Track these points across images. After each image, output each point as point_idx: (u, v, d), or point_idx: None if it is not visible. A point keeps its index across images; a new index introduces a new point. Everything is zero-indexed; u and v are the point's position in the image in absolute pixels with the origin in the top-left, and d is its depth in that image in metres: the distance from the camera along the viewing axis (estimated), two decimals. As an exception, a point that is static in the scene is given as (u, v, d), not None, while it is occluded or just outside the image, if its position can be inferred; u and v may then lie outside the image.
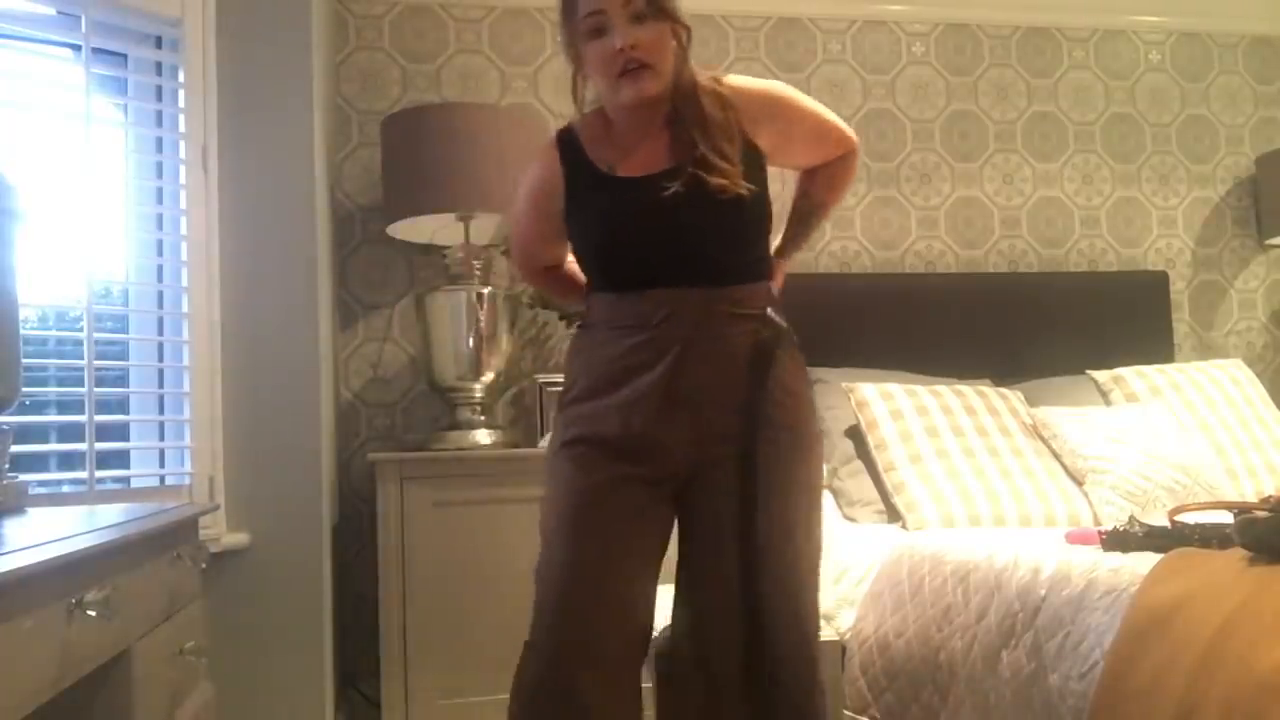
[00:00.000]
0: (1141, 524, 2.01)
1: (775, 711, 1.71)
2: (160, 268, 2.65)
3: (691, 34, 1.78)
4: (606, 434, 1.74)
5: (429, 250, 3.17)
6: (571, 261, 1.96)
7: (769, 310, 1.78)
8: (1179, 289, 3.85)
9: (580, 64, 1.78)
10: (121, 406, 2.61)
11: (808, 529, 1.79)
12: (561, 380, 2.96)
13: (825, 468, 1.97)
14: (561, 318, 3.10)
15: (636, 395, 1.73)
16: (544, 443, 2.98)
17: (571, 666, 1.66)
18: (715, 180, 1.70)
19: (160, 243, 2.64)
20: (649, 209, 1.73)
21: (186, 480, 2.54)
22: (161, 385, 2.63)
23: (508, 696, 1.75)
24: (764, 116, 1.82)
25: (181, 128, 2.59)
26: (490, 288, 2.97)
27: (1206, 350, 3.84)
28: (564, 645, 1.67)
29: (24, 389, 1.69)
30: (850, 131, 1.96)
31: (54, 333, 2.55)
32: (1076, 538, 2.18)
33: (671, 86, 1.76)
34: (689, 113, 1.76)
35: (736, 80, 1.85)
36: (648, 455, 1.73)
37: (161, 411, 2.64)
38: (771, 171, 1.83)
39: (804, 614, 1.76)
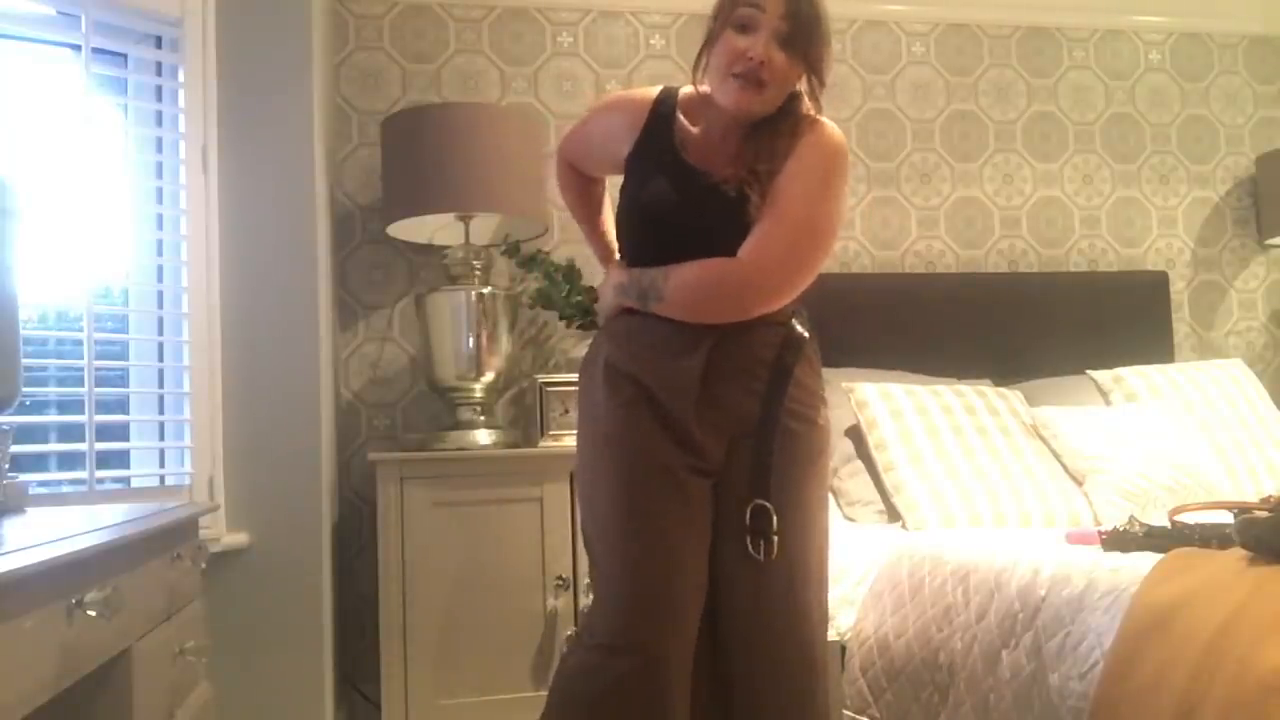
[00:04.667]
0: (1141, 524, 2.01)
1: (777, 704, 1.73)
2: (160, 268, 2.65)
3: (820, 91, 1.80)
4: (654, 401, 1.77)
5: (429, 250, 3.17)
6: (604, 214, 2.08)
7: (793, 321, 1.83)
8: (1179, 289, 3.85)
9: (711, 43, 1.77)
10: (121, 406, 2.61)
11: (817, 526, 1.82)
12: (561, 380, 3.03)
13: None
14: (561, 318, 3.10)
15: (677, 380, 1.76)
16: (544, 442, 2.99)
17: (662, 667, 1.68)
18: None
19: (160, 243, 2.64)
20: (692, 202, 1.77)
21: (186, 480, 2.54)
22: (161, 385, 2.63)
23: (541, 696, 1.80)
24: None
25: (181, 128, 2.59)
26: (490, 288, 2.97)
27: (1206, 350, 3.84)
28: (649, 645, 1.68)
29: (24, 389, 1.69)
30: (765, 263, 1.75)
31: (54, 333, 2.55)
32: (1076, 538, 2.18)
33: (767, 113, 1.78)
34: (767, 149, 1.76)
35: (828, 128, 1.82)
36: (690, 446, 1.76)
37: (161, 411, 2.64)
38: None
39: (811, 611, 1.78)
